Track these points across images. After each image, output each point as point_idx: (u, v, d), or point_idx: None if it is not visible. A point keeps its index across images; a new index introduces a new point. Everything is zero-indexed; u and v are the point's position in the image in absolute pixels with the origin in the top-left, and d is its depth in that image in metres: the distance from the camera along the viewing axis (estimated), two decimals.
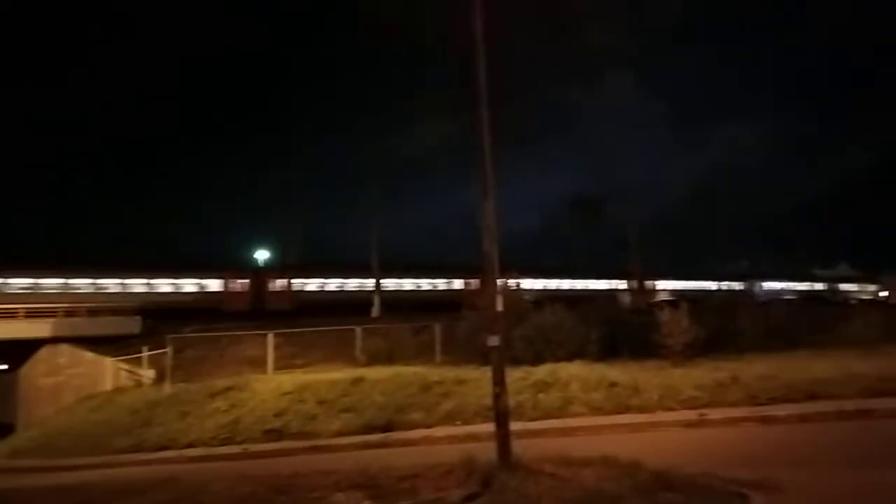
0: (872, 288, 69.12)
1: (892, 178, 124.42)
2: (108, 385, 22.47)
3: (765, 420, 9.95)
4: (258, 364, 19.75)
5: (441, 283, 43.81)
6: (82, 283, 33.52)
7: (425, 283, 43.99)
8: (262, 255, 44.05)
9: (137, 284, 35.62)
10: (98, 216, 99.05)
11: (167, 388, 18.12)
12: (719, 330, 17.34)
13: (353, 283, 41.13)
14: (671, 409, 11.02)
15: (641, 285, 47.95)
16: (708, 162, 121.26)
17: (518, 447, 7.03)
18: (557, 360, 15.20)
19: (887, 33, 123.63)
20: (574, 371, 13.51)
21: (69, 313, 28.94)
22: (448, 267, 43.13)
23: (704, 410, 10.62)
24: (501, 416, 7.12)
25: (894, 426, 9.06)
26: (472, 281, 41.76)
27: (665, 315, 16.05)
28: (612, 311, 20.69)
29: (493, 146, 7.69)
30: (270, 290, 38.13)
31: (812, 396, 10.65)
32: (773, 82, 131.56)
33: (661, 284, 51.50)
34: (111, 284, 34.92)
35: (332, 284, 40.92)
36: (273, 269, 39.46)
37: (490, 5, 7.91)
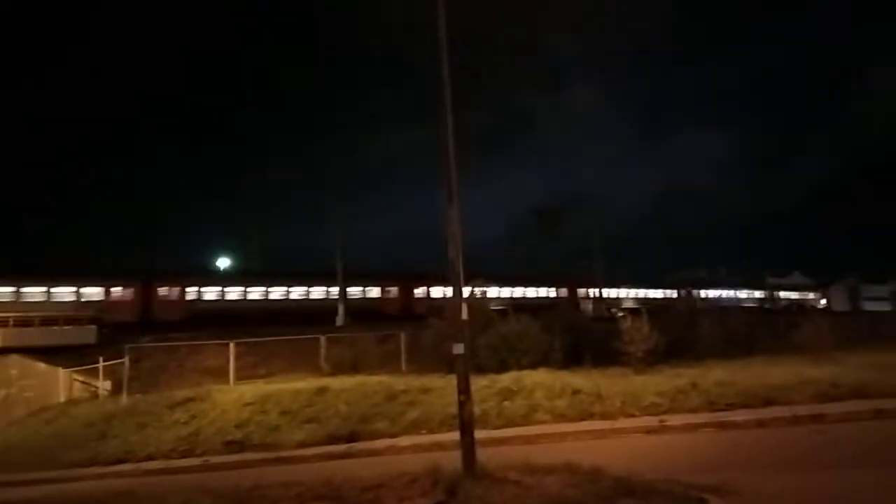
0: (811, 296, 71.30)
1: (847, 191, 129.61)
2: (61, 397, 21.78)
3: (723, 425, 10.17)
4: (219, 374, 19.38)
5: (359, 291, 41.25)
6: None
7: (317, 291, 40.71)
8: (223, 262, 43.38)
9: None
10: (67, 220, 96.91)
11: (124, 399, 17.64)
12: (679, 337, 17.70)
13: (278, 292, 38.75)
14: (633, 415, 11.17)
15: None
16: (668, 172, 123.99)
17: (483, 455, 7.04)
18: (522, 367, 15.30)
19: (840, 54, 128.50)
20: (538, 379, 13.62)
21: (21, 322, 27.93)
22: (371, 274, 42.01)
23: (665, 416, 10.80)
24: (466, 424, 7.13)
25: (846, 430, 9.36)
26: (391, 289, 41.35)
27: (627, 323, 16.30)
28: (575, 320, 20.90)
29: (457, 153, 7.73)
30: (161, 298, 35.13)
31: (768, 402, 10.94)
32: (735, 95, 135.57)
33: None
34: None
35: (235, 293, 37.64)
36: (166, 276, 36.42)
37: (454, 10, 7.98)
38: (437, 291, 42.69)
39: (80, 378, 21.89)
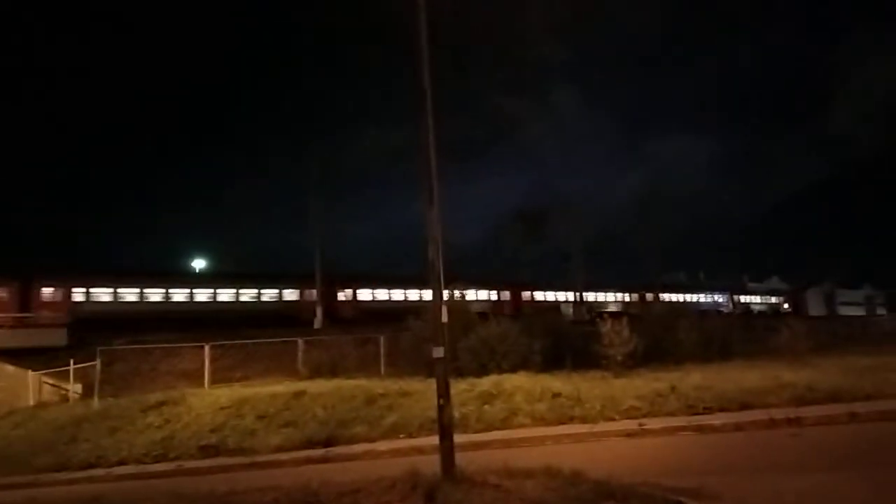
0: (774, 300, 72.55)
1: (827, 198, 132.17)
2: (30, 400, 21.24)
3: (701, 429, 10.21)
4: (194, 377, 19.10)
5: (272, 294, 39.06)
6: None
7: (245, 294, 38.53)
8: (198, 264, 42.78)
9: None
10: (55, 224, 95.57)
11: (95, 402, 17.29)
12: (659, 341, 17.81)
13: (181, 294, 35.82)
14: (612, 419, 11.18)
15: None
16: (650, 176, 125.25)
17: (462, 459, 6.97)
18: (502, 371, 15.28)
19: (821, 59, 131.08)
20: (518, 382, 13.58)
21: None
22: (291, 276, 39.42)
23: (644, 420, 10.83)
24: (446, 428, 7.06)
25: (821, 433, 9.44)
26: (310, 291, 37.84)
27: (606, 326, 16.36)
28: (555, 323, 20.96)
29: (438, 155, 7.68)
30: (42, 300, 31.79)
31: (745, 405, 11.00)
32: (718, 100, 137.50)
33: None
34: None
35: (132, 295, 34.41)
36: (49, 275, 32.78)
37: (437, 14, 7.95)
38: (366, 294, 41.71)
39: (50, 381, 21.40)
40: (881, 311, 64.83)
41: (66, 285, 32.81)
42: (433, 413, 8.36)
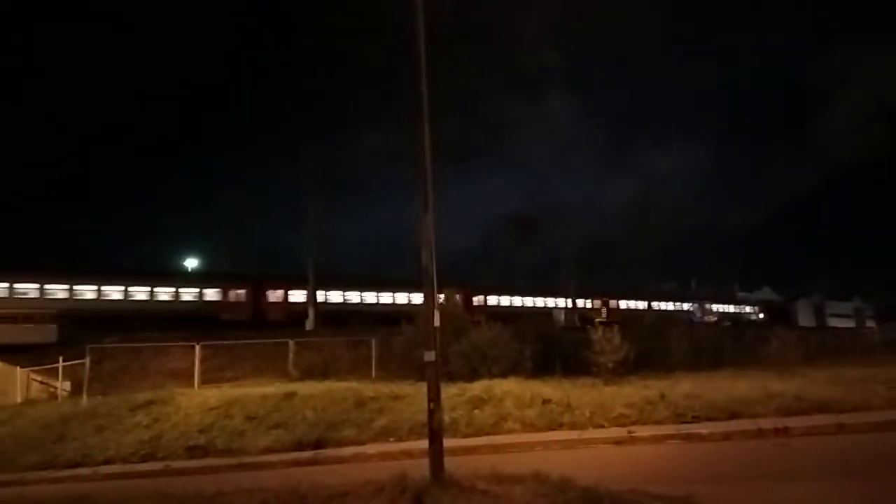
0: (748, 310, 73.00)
1: (820, 209, 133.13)
2: (17, 397, 21.08)
3: (689, 437, 10.25)
4: (184, 377, 19.01)
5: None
6: None
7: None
8: (191, 262, 42.54)
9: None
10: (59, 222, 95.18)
11: (84, 400, 17.16)
12: (649, 348, 17.87)
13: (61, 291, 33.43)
14: (601, 426, 11.21)
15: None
16: (642, 184, 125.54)
17: (452, 464, 6.98)
18: (493, 376, 15.29)
19: (811, 69, 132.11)
20: (508, 387, 13.60)
21: None
22: (215, 275, 38.57)
23: (633, 428, 10.86)
24: (435, 432, 7.06)
25: (808, 443, 9.50)
26: (238, 291, 37.02)
27: (597, 333, 16.40)
28: (546, 329, 21.00)
29: (434, 159, 7.71)
30: None
31: (734, 415, 11.07)
32: (710, 109, 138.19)
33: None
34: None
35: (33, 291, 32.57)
36: None
37: (434, 23, 7.99)
38: (300, 295, 38.98)
39: (39, 378, 21.26)
40: (870, 323, 65.16)
41: None
42: (423, 417, 8.36)
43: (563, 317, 45.16)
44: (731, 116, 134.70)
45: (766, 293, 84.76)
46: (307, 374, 18.88)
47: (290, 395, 14.75)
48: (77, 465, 12.65)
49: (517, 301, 49.43)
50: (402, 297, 41.79)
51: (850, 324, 67.88)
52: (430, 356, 7.32)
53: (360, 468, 9.36)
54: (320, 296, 38.93)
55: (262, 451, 11.85)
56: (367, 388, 15.06)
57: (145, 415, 14.60)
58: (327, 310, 37.90)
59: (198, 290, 37.10)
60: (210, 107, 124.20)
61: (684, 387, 13.43)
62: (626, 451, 9.98)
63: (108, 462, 12.50)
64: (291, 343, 20.41)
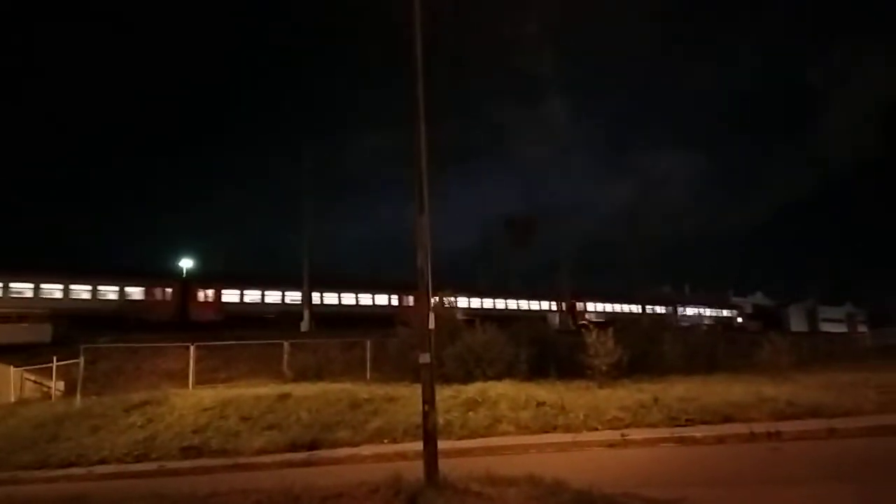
0: (726, 314, 73.18)
1: (811, 215, 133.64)
2: (12, 397, 20.99)
3: (683, 441, 10.29)
4: (178, 377, 18.96)
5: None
6: None
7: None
8: (186, 263, 42.35)
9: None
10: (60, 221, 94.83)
11: (78, 400, 17.10)
12: (644, 352, 17.91)
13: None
14: (595, 429, 11.24)
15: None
16: (641, 185, 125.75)
17: (446, 466, 7.01)
18: (488, 378, 15.32)
19: (807, 73, 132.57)
20: (503, 390, 13.63)
21: None
22: (139, 273, 36.74)
23: (627, 431, 10.89)
24: (430, 434, 7.09)
25: (800, 447, 9.55)
26: (165, 290, 35.43)
27: (592, 336, 16.44)
28: (541, 332, 21.03)
29: (430, 162, 7.74)
30: None
31: (727, 419, 11.11)
32: (709, 110, 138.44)
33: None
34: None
35: None
36: None
37: (432, 25, 8.04)
38: (233, 295, 37.66)
39: (33, 377, 21.19)
40: (862, 328, 65.44)
41: None
42: (418, 419, 8.37)
43: (557, 319, 45.24)
44: (731, 117, 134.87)
45: (759, 298, 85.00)
46: (301, 375, 18.85)
47: (284, 397, 14.75)
48: (71, 464, 12.63)
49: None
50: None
51: (842, 329, 68.14)
52: (424, 358, 7.36)
53: (355, 470, 9.36)
54: (235, 296, 38.07)
55: (257, 451, 11.85)
56: (361, 390, 15.06)
57: (140, 415, 14.57)
58: (247, 311, 36.94)
59: (117, 288, 35.05)
60: (210, 107, 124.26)
61: (678, 390, 13.47)
62: (620, 454, 10.02)
63: (102, 462, 12.48)
64: (286, 344, 20.39)
